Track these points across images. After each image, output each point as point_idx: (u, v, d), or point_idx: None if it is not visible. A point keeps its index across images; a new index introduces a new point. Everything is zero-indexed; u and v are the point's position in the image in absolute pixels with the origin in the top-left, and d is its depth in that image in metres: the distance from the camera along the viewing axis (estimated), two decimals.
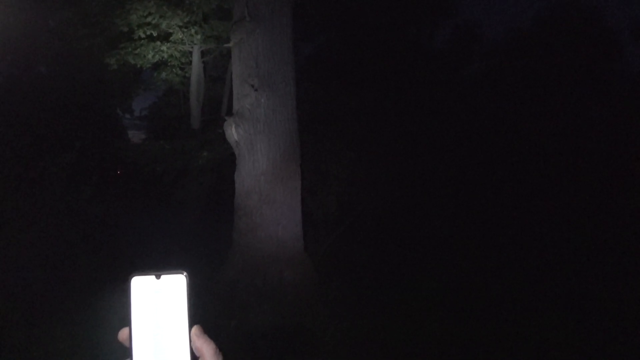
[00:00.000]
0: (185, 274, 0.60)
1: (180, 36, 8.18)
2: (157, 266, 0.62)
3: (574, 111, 11.14)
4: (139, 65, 8.59)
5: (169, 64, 9.02)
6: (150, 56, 8.26)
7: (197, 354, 0.60)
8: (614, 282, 5.99)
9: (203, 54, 9.61)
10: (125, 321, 0.60)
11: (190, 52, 9.18)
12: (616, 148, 9.67)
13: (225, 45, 7.45)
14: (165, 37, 8.28)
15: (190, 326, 0.60)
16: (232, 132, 5.82)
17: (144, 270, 0.61)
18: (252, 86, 5.64)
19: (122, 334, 0.61)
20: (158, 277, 0.60)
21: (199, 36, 8.34)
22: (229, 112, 6.61)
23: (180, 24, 7.98)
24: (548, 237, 8.22)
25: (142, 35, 7.83)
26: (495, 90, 11.11)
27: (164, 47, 8.25)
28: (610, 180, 9.24)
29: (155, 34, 7.94)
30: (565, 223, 8.68)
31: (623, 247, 7.40)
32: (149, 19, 7.64)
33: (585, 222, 8.58)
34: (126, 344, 0.60)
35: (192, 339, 0.60)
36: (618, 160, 9.46)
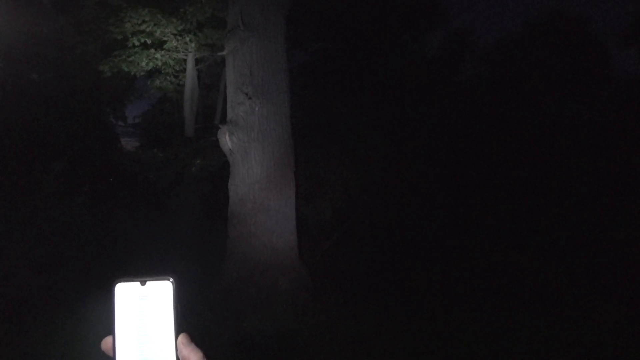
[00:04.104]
0: (171, 280, 0.59)
1: (175, 44, 8.19)
2: (150, 275, 0.60)
3: (564, 115, 11.32)
4: (132, 73, 8.57)
5: (163, 71, 9.02)
6: (144, 64, 8.24)
7: None
8: (605, 282, 6.02)
9: (197, 61, 9.63)
10: (109, 329, 0.58)
11: (185, 60, 9.20)
12: (605, 150, 9.83)
13: (220, 53, 7.47)
14: (159, 45, 8.29)
15: (177, 334, 0.58)
16: (226, 140, 5.81)
17: (129, 276, 0.59)
18: (246, 94, 5.65)
19: (106, 343, 0.59)
20: (143, 283, 0.58)
21: (193, 44, 8.35)
22: (223, 120, 6.61)
23: (175, 32, 7.99)
24: (539, 240, 8.27)
25: (136, 43, 7.83)
26: (487, 95, 11.26)
27: (158, 55, 8.25)
28: (600, 181, 9.39)
29: (149, 42, 7.94)
30: (555, 224, 8.75)
31: (610, 246, 7.48)
32: (143, 27, 7.65)
33: (576, 222, 8.67)
34: (110, 353, 0.58)
35: (178, 348, 0.58)
36: (607, 161, 9.61)
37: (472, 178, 9.51)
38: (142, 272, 0.60)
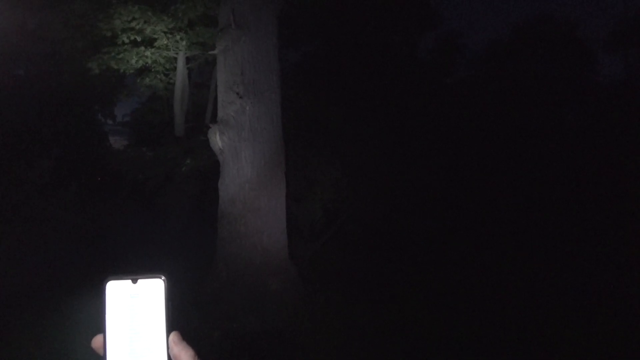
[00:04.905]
0: (163, 278, 0.59)
1: (165, 42, 8.10)
2: (140, 273, 0.59)
3: (551, 117, 11.54)
4: (122, 71, 8.46)
5: (152, 69, 8.91)
6: (133, 61, 8.13)
7: None
8: (594, 282, 6.13)
9: (188, 60, 9.53)
10: (100, 328, 0.57)
11: (175, 58, 9.10)
12: (590, 153, 10.06)
13: (211, 52, 7.42)
14: (149, 43, 8.18)
15: (168, 332, 0.58)
16: (217, 139, 5.78)
17: (120, 274, 0.59)
18: (237, 94, 5.62)
19: (96, 341, 0.58)
20: (134, 281, 0.58)
21: (184, 42, 8.27)
22: (214, 120, 6.56)
23: (165, 29, 7.90)
24: (528, 240, 8.40)
25: (126, 40, 7.72)
26: (477, 97, 11.41)
27: (148, 53, 8.14)
28: (584, 183, 9.61)
29: (139, 39, 7.84)
30: (542, 223, 8.91)
31: (598, 246, 7.64)
32: (133, 24, 7.55)
33: (563, 221, 8.84)
34: (100, 351, 0.58)
35: (169, 346, 0.58)
36: (592, 164, 9.83)
37: (462, 178, 9.63)
38: (132, 271, 0.60)
